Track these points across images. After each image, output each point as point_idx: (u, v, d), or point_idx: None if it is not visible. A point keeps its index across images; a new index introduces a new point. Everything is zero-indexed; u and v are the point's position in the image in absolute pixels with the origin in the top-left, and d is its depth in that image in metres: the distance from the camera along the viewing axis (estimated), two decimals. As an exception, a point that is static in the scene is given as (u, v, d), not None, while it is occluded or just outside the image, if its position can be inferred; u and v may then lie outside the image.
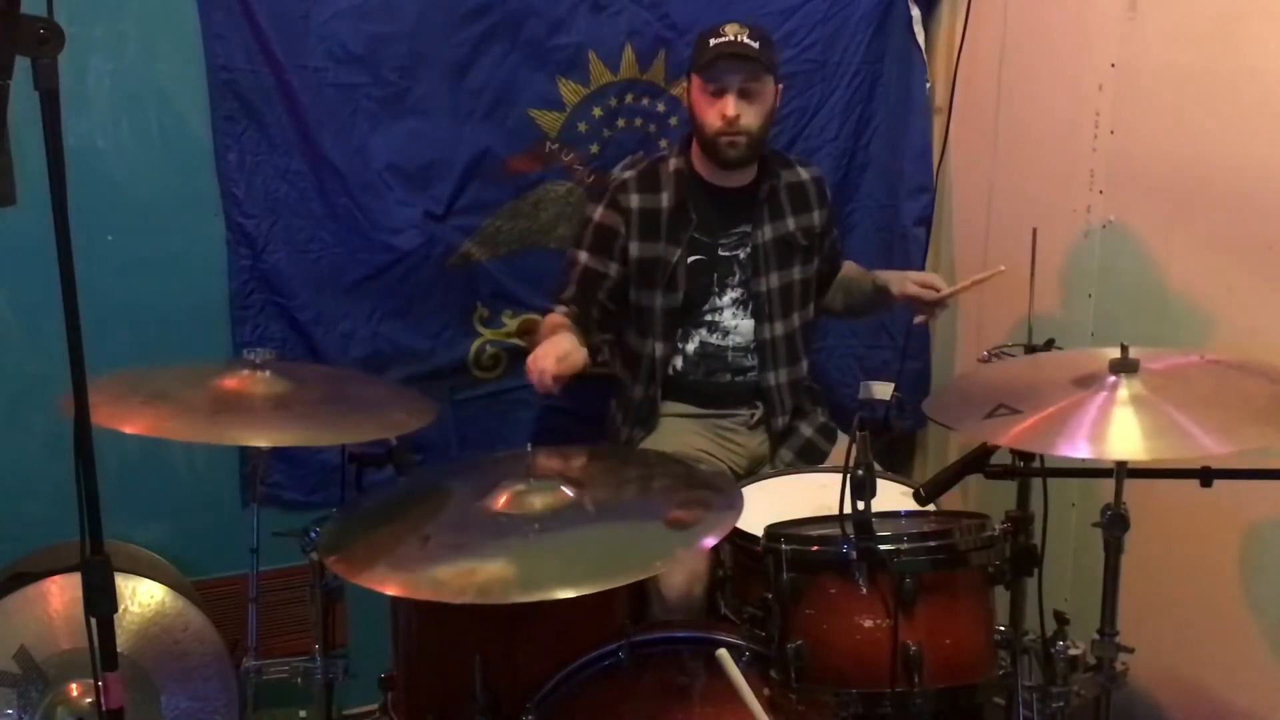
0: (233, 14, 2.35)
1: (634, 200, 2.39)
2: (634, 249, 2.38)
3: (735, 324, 2.43)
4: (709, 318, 2.43)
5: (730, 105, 2.27)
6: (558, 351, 2.11)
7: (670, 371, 2.44)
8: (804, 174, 2.51)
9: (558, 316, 2.40)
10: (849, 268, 2.64)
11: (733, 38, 2.27)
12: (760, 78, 2.30)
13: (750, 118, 2.30)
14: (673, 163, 2.42)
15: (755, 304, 2.42)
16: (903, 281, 2.42)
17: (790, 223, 2.44)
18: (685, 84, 2.41)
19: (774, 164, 2.46)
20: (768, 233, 2.42)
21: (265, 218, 2.46)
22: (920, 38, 2.85)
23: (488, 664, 1.68)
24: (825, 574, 1.62)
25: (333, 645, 1.98)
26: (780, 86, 2.38)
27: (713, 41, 2.28)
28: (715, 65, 2.27)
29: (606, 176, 2.61)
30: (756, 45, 2.27)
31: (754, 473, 2.40)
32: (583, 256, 2.42)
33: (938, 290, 2.36)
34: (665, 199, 2.39)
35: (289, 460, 2.51)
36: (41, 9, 1.27)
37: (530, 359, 2.13)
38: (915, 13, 2.84)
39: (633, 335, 2.44)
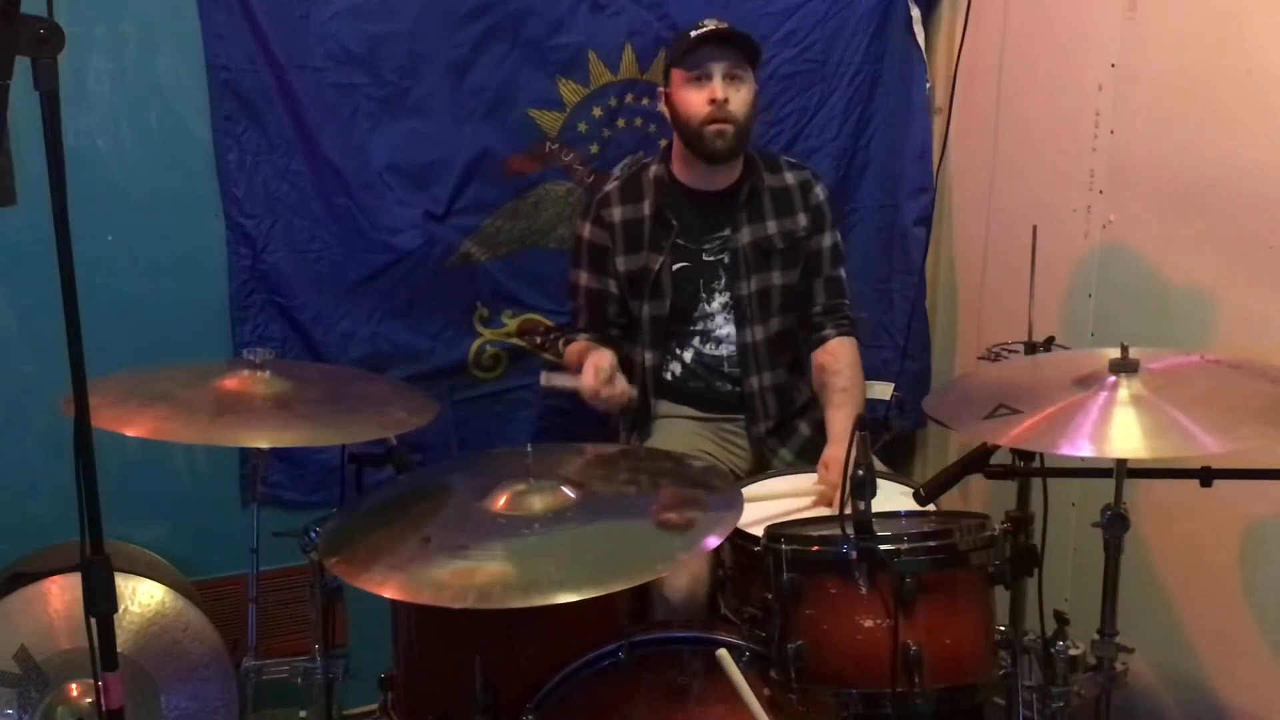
0: (233, 14, 2.35)
1: (616, 214, 2.39)
2: (620, 262, 2.39)
3: (727, 333, 2.43)
4: (701, 326, 2.42)
5: (718, 88, 2.26)
6: (598, 364, 2.19)
7: (669, 377, 2.45)
8: (790, 179, 2.45)
9: (582, 342, 2.42)
10: (838, 365, 2.38)
11: (713, 27, 2.29)
12: (743, 67, 2.30)
13: (737, 104, 2.28)
14: (653, 170, 2.42)
15: (737, 309, 2.41)
16: (826, 452, 2.24)
17: (770, 226, 2.41)
18: (664, 91, 2.38)
19: (759, 167, 2.43)
20: (745, 236, 2.39)
21: (265, 218, 2.46)
22: (920, 38, 2.85)
23: (488, 664, 1.68)
24: (825, 574, 1.62)
25: (333, 645, 1.98)
26: (757, 90, 2.36)
27: (693, 33, 2.29)
28: (698, 51, 2.27)
29: (606, 176, 2.62)
30: (736, 35, 2.29)
31: (754, 472, 2.40)
32: (583, 277, 2.43)
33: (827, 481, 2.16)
34: (646, 207, 2.39)
35: (289, 460, 2.51)
36: (41, 9, 1.27)
37: (590, 393, 2.18)
38: (915, 13, 2.84)
39: (626, 343, 2.45)
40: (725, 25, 2.31)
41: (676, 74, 2.32)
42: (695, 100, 2.28)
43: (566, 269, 2.59)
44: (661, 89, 2.41)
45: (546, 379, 2.25)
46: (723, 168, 2.38)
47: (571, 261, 2.49)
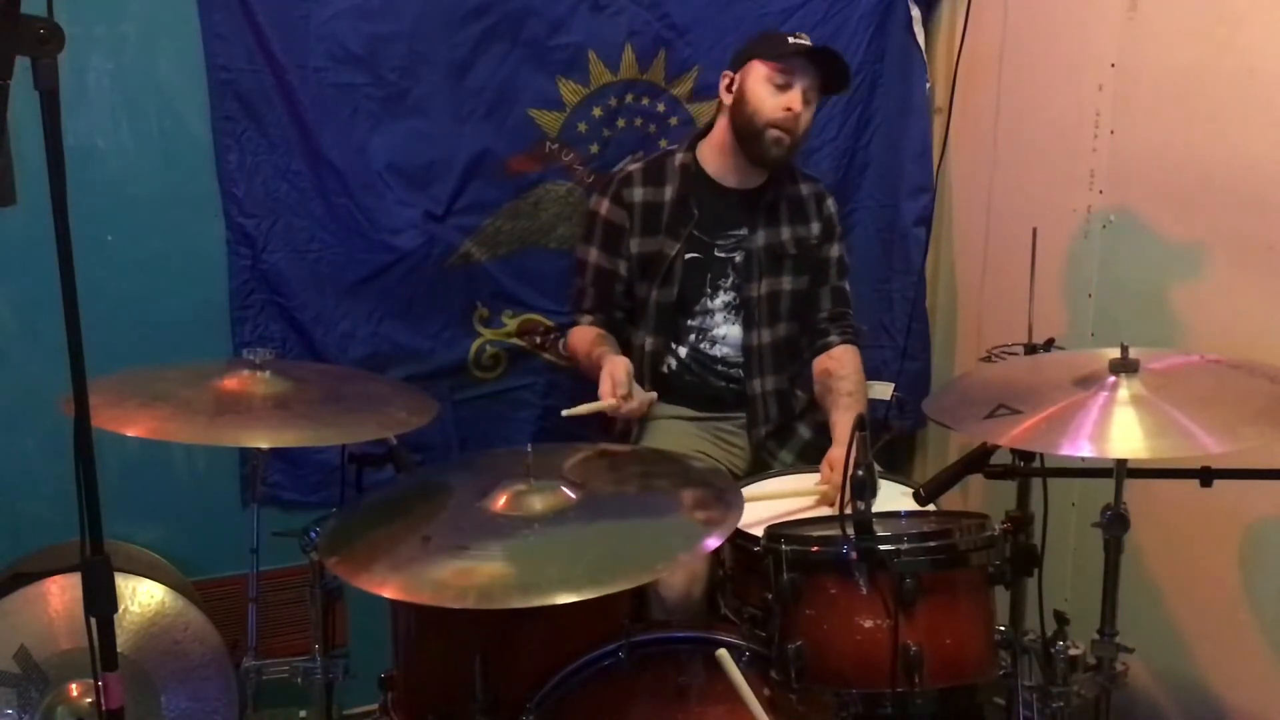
0: (233, 14, 2.35)
1: (637, 194, 2.39)
2: (635, 245, 2.38)
3: (724, 333, 2.43)
4: (699, 322, 2.42)
5: (797, 100, 2.28)
6: (615, 378, 2.18)
7: (665, 370, 2.44)
8: (804, 189, 2.47)
9: (587, 330, 2.41)
10: (843, 370, 2.40)
11: (809, 42, 2.32)
12: (819, 92, 2.34)
13: (804, 120, 2.32)
14: (679, 157, 2.41)
15: (745, 310, 2.41)
16: (831, 453, 2.22)
17: (784, 231, 2.42)
18: (729, 73, 2.37)
19: (782, 174, 2.44)
20: (761, 239, 2.40)
21: (265, 218, 2.46)
22: (920, 38, 2.85)
23: (488, 664, 1.68)
24: (825, 574, 1.62)
25: (333, 645, 1.98)
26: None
27: (791, 40, 2.30)
28: (793, 58, 2.28)
29: (607, 176, 2.61)
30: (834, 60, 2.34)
31: (752, 474, 2.40)
32: (593, 254, 2.42)
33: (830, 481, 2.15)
34: (668, 192, 2.38)
35: (289, 460, 2.51)
36: (41, 9, 1.27)
37: (611, 411, 2.18)
38: (915, 13, 2.84)
39: (629, 327, 2.45)
40: (820, 46, 2.33)
41: (759, 67, 2.30)
42: (771, 102, 2.28)
43: (567, 268, 2.60)
44: (726, 72, 2.38)
45: (570, 411, 2.18)
46: (757, 169, 2.39)
47: (582, 238, 2.48)
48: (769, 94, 2.29)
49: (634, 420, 2.32)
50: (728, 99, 2.36)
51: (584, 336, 2.41)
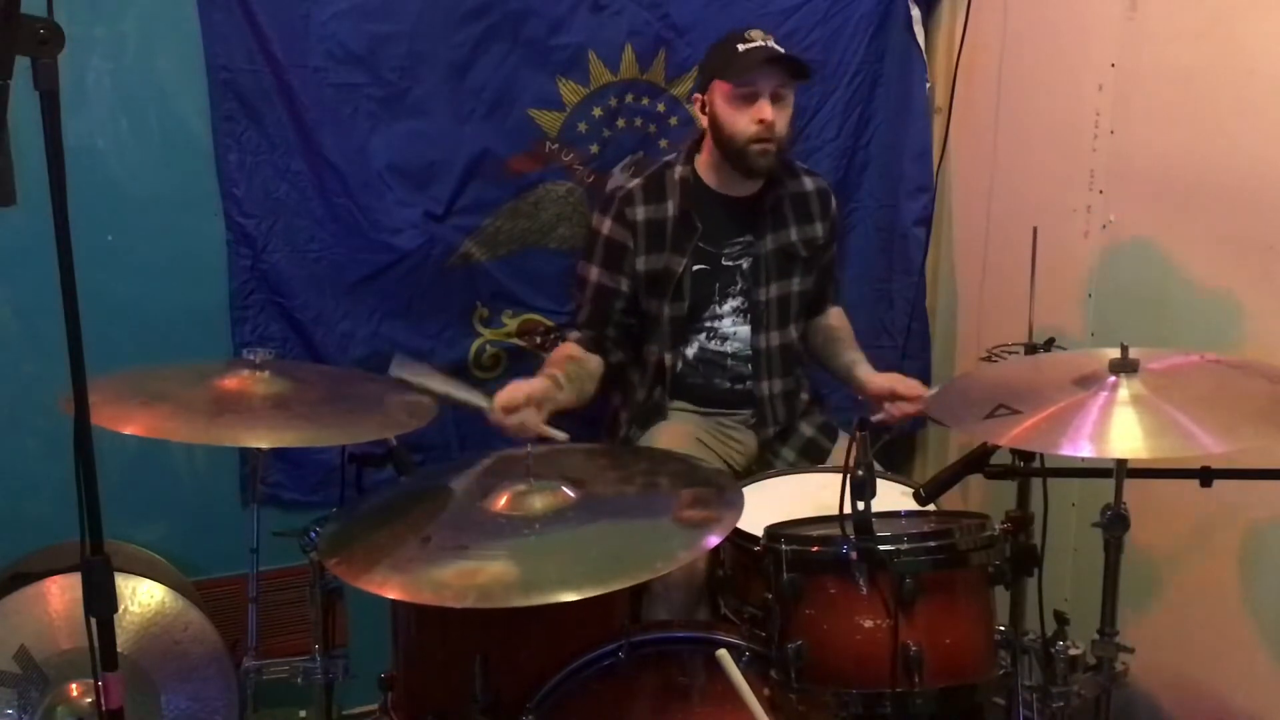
0: (233, 14, 2.35)
1: (640, 212, 2.37)
2: (641, 263, 2.36)
3: (734, 331, 2.43)
4: (708, 324, 2.42)
5: (766, 109, 2.24)
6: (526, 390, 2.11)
7: (673, 368, 2.44)
8: (809, 184, 2.47)
9: (567, 346, 2.39)
10: (840, 322, 2.57)
11: (762, 43, 2.26)
12: (789, 85, 2.29)
13: (781, 124, 2.28)
14: (678, 170, 2.39)
15: (754, 314, 2.41)
16: (887, 382, 2.28)
17: (793, 233, 2.42)
18: (699, 96, 2.35)
19: (781, 173, 2.42)
20: (770, 243, 2.40)
21: (265, 218, 2.46)
22: (920, 38, 2.86)
23: (488, 664, 1.68)
24: (825, 574, 1.62)
25: (333, 645, 1.98)
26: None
27: (742, 47, 2.25)
28: (752, 71, 2.24)
29: (606, 176, 2.62)
30: (784, 50, 2.28)
31: (754, 471, 2.40)
32: (594, 272, 2.40)
33: (917, 397, 2.20)
34: (670, 208, 2.37)
35: (289, 460, 2.51)
36: (41, 9, 1.28)
37: (506, 418, 2.09)
38: (915, 13, 2.84)
39: (616, 350, 2.43)
40: (772, 42, 2.28)
41: (721, 86, 2.28)
42: (741, 119, 2.26)
43: (567, 268, 2.60)
44: (697, 95, 2.37)
45: (397, 367, 2.07)
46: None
47: (583, 255, 2.47)
48: (738, 112, 2.26)
49: (513, 436, 2.12)
50: (704, 122, 2.35)
51: (557, 353, 2.40)
